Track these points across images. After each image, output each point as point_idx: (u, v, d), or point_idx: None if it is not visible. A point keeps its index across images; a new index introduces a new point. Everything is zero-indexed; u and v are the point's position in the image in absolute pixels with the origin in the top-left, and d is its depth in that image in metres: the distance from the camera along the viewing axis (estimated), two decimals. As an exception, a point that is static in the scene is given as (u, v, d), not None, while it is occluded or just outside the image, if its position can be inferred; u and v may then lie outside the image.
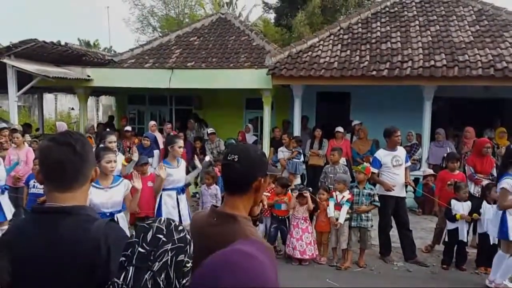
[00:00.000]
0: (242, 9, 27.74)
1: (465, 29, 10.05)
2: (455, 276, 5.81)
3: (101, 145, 5.78)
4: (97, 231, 1.48)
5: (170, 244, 1.28)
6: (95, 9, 66.61)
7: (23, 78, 9.22)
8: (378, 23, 10.89)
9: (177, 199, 5.56)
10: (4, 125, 8.46)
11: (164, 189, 5.48)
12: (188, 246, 1.30)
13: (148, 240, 1.29)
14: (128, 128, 10.51)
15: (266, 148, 10.00)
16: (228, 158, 1.80)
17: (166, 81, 10.17)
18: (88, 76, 10.62)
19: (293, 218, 6.22)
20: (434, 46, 9.48)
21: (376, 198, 6.11)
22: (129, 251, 1.28)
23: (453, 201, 6.02)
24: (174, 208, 5.50)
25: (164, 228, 1.31)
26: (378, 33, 10.40)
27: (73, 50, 10.89)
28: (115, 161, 4.40)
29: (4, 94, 9.89)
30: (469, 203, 6.04)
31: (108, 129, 10.44)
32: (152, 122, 10.38)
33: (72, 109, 22.87)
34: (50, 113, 21.85)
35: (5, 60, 8.95)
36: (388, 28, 10.61)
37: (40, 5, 68.44)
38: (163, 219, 1.35)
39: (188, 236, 1.33)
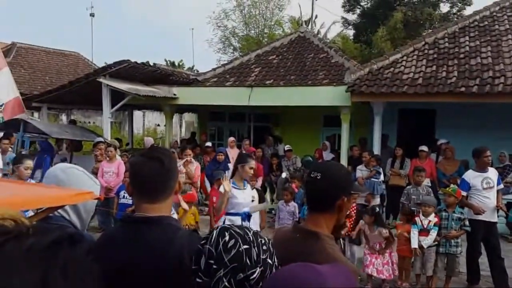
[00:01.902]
0: (321, 26, 27.70)
1: None
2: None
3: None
4: (182, 242, 1.56)
5: (222, 270, 1.22)
6: (180, 31, 70.68)
7: (115, 96, 10.00)
8: (467, 38, 10.33)
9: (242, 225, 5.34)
10: (100, 139, 9.22)
11: (226, 214, 5.02)
12: (246, 258, 1.25)
13: (203, 268, 1.25)
14: (209, 144, 10.92)
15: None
16: (312, 175, 1.81)
17: (245, 98, 10.46)
18: (174, 94, 11.24)
19: (369, 241, 5.98)
20: (529, 61, 8.78)
21: (467, 222, 5.71)
22: (192, 278, 1.28)
23: None
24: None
25: (213, 250, 1.25)
26: (467, 48, 9.86)
27: (161, 70, 11.63)
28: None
29: (97, 110, 10.77)
30: None
31: (186, 144, 11.00)
32: (231, 138, 10.69)
33: (158, 125, 24.29)
34: (138, 128, 23.38)
35: (100, 80, 9.79)
36: (477, 42, 10.02)
37: (129, 27, 74.02)
38: (214, 236, 1.29)
39: (242, 248, 1.26)
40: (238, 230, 1.31)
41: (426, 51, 10.18)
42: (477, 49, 9.76)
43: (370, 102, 9.58)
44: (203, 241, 1.30)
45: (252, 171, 5.08)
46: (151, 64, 12.09)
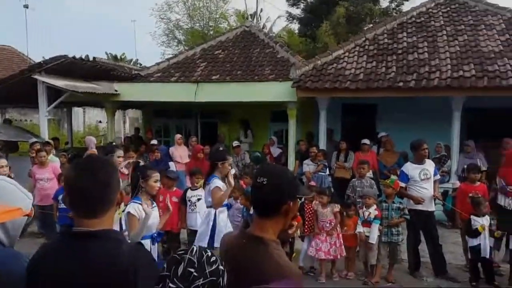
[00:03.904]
0: (267, 20, 27.85)
1: (494, 38, 9.83)
2: (488, 294, 5.61)
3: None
4: (125, 255, 1.50)
5: (201, 279, 1.26)
6: (122, 23, 68.38)
7: (53, 92, 9.50)
8: (405, 34, 10.78)
9: (228, 215, 5.48)
10: (36, 139, 8.72)
11: (209, 206, 5.27)
12: (220, 278, 1.30)
13: (179, 274, 1.27)
14: (154, 141, 10.67)
15: (291, 161, 9.97)
16: (258, 181, 1.80)
17: (191, 94, 10.30)
18: (116, 90, 10.86)
19: (319, 222, 6.14)
20: (462, 56, 9.31)
21: (406, 211, 5.99)
22: (160, 285, 1.28)
23: (472, 217, 5.82)
24: (225, 225, 5.24)
25: (195, 260, 1.29)
26: (405, 44, 10.29)
27: (101, 65, 11.17)
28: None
29: (35, 108, 10.21)
30: (487, 217, 5.83)
31: (129, 142, 10.62)
32: (178, 136, 10.51)
33: (100, 122, 23.40)
34: (78, 126, 22.40)
35: (36, 76, 9.26)
36: (414, 38, 10.48)
37: (69, 20, 70.66)
38: (195, 249, 1.34)
39: (221, 267, 1.32)
40: (215, 254, 1.39)
41: (366, 47, 10.51)
42: (414, 44, 10.21)
43: (315, 98, 9.76)
44: (180, 252, 1.34)
45: (230, 167, 5.17)
46: (91, 58, 11.60)
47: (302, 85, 9.37)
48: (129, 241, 1.68)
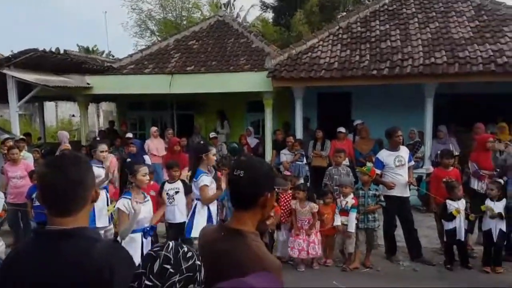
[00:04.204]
0: (240, 9, 27.70)
1: (465, 25, 10.02)
2: (463, 275, 5.78)
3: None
4: (99, 253, 1.48)
5: (178, 275, 1.25)
6: (94, 14, 66.70)
7: (23, 87, 9.22)
8: (377, 22, 10.87)
9: (217, 206, 5.51)
10: (8, 135, 8.47)
11: (198, 198, 5.39)
12: (197, 274, 1.29)
13: (155, 271, 1.25)
14: (130, 135, 10.51)
15: (268, 150, 9.99)
16: (234, 173, 1.80)
17: (166, 86, 10.17)
18: (88, 84, 10.62)
19: (298, 220, 6.20)
20: (434, 43, 9.47)
21: (382, 198, 6.11)
22: (136, 283, 1.26)
23: (447, 201, 5.99)
24: (203, 217, 5.33)
25: (171, 257, 1.28)
26: (378, 32, 10.39)
27: (72, 58, 10.90)
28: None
29: (5, 103, 9.90)
30: (463, 201, 6.01)
31: (104, 135, 10.46)
32: (154, 128, 10.38)
33: (73, 116, 22.91)
34: (51, 120, 21.88)
35: (5, 71, 8.96)
36: (387, 26, 10.59)
37: (38, 13, 68.54)
38: (171, 245, 1.32)
39: (197, 262, 1.31)
40: (192, 249, 1.36)
41: (340, 36, 10.56)
42: (386, 32, 10.31)
43: (291, 87, 9.78)
44: (156, 248, 1.32)
45: (214, 157, 5.43)
46: (62, 51, 11.30)
47: (277, 74, 9.36)
48: (113, 238, 1.65)
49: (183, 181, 6.39)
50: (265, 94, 9.96)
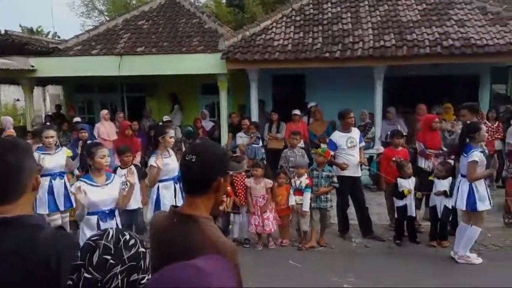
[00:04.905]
0: (192, -11, 26.91)
1: (412, 8, 10.30)
2: (411, 250, 6.07)
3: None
4: (44, 242, 1.41)
5: (119, 266, 1.19)
6: (35, -8, 62.79)
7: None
8: (329, 4, 10.95)
9: (175, 189, 5.43)
10: None
11: (160, 181, 5.36)
12: (142, 261, 1.24)
13: (95, 262, 1.18)
14: (78, 119, 10.11)
15: (224, 133, 9.93)
16: (186, 158, 1.76)
17: (115, 68, 9.81)
18: (32, 66, 10.05)
19: (252, 197, 6.24)
20: (383, 26, 9.68)
21: (335, 179, 6.24)
22: (75, 275, 1.19)
23: (399, 180, 6.23)
24: (171, 198, 5.35)
25: (112, 246, 1.21)
26: (330, 14, 10.47)
27: (14, 38, 10.26)
28: (108, 156, 4.41)
29: None
30: (413, 179, 6.27)
31: (48, 123, 9.99)
32: (105, 111, 10.00)
33: (18, 100, 21.68)
34: (-7, 105, 20.65)
35: None
36: (338, 9, 10.69)
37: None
38: (111, 233, 1.25)
39: (141, 250, 1.26)
40: (135, 234, 1.29)
41: (293, 18, 10.57)
42: (338, 15, 10.42)
43: (245, 69, 9.72)
44: (95, 237, 1.23)
45: (173, 140, 5.50)
46: (3, 31, 10.59)
47: (231, 56, 9.27)
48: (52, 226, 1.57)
49: (136, 166, 6.25)
50: (220, 76, 9.84)
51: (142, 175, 6.05)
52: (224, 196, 5.40)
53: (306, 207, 6.05)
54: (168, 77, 10.62)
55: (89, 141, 7.58)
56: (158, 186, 5.40)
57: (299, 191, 6.13)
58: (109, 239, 1.21)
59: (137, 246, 1.24)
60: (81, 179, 4.33)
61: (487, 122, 8.52)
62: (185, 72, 9.91)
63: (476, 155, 5.23)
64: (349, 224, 6.66)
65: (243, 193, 6.31)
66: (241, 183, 6.33)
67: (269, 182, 6.19)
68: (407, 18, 9.87)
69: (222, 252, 1.61)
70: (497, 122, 8.78)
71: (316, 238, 6.26)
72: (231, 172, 5.03)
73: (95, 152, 4.27)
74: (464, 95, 9.49)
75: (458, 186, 5.51)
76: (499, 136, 8.43)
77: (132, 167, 5.43)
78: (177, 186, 5.50)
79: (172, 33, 11.86)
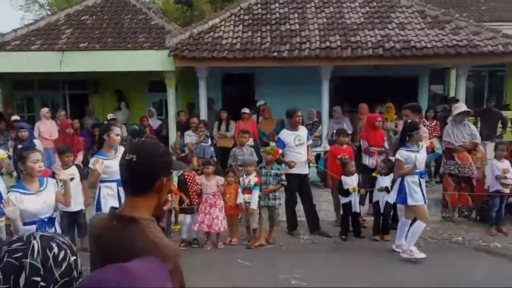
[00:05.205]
0: (139, -15, 26.21)
1: (356, 10, 10.61)
2: (356, 244, 6.28)
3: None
4: None
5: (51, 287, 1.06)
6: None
7: None
8: (277, 4, 11.04)
9: (118, 190, 5.11)
10: None
11: (102, 181, 5.10)
12: (74, 271, 1.14)
13: (22, 286, 1.03)
14: (16, 117, 9.56)
15: (172, 132, 9.77)
16: (126, 157, 1.69)
17: (56, 64, 9.38)
18: (-36, 61, 9.38)
19: (202, 194, 6.18)
20: (329, 28, 9.90)
21: (283, 177, 6.32)
22: None
23: (343, 177, 6.42)
24: (114, 200, 5.09)
25: (40, 266, 1.06)
26: (277, 14, 10.57)
27: None
28: (42, 160, 4.05)
29: None
30: (356, 175, 6.49)
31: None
32: (46, 109, 9.52)
33: None
34: None
35: None
36: (286, 9, 10.81)
37: None
38: (36, 248, 1.09)
39: (72, 259, 1.15)
40: (62, 239, 1.16)
41: (242, 17, 10.57)
42: (286, 15, 10.54)
43: (193, 67, 9.61)
44: (18, 253, 1.07)
45: (119, 138, 5.14)
46: None
47: (179, 54, 9.12)
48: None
49: (77, 166, 6.03)
50: (167, 74, 9.67)
51: (84, 176, 5.83)
52: (169, 195, 5.35)
53: (254, 205, 6.08)
54: (113, 74, 10.28)
55: (22, 144, 7.20)
56: (100, 187, 5.17)
57: (247, 190, 6.14)
58: (35, 255, 1.06)
59: (67, 257, 1.13)
60: (13, 189, 4.02)
61: (425, 121, 8.95)
62: (130, 69, 9.65)
63: (400, 153, 5.52)
64: (297, 221, 6.77)
65: (196, 192, 6.24)
66: (194, 182, 6.25)
67: (220, 179, 6.19)
68: (351, 20, 10.15)
69: (163, 254, 1.57)
70: (435, 121, 9.24)
71: (265, 236, 6.30)
72: (175, 172, 4.93)
73: (27, 157, 3.93)
74: (405, 95, 9.93)
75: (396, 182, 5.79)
76: (436, 135, 8.88)
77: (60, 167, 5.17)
78: (121, 189, 5.31)
79: (117, 29, 11.47)
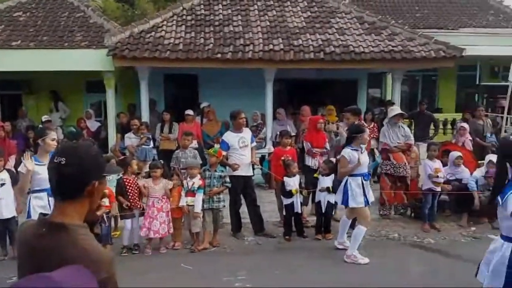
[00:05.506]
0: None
1: (298, 15, 10.82)
2: (299, 244, 6.36)
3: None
4: None
5: None
6: None
7: None
8: (220, 6, 11.02)
9: (49, 201, 4.64)
10: None
11: (33, 191, 4.77)
12: None
13: None
14: None
15: (112, 134, 9.44)
16: (55, 160, 1.60)
17: (-15, 63, 8.77)
18: None
19: (148, 198, 6.02)
20: (272, 31, 10.03)
21: (227, 179, 6.29)
22: None
23: (285, 178, 6.50)
24: (45, 210, 4.61)
25: None
26: (221, 16, 10.55)
27: None
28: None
29: None
30: (298, 177, 6.60)
31: None
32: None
33: None
34: None
35: None
36: (229, 11, 10.82)
37: None
38: None
39: None
40: None
41: (184, 17, 10.45)
42: (229, 17, 10.55)
43: (134, 67, 9.36)
44: None
45: (55, 143, 4.81)
46: None
47: (118, 53, 8.86)
48: None
49: (8, 171, 5.68)
50: (106, 74, 9.36)
51: (16, 181, 5.49)
52: (106, 200, 5.16)
53: (198, 209, 6.00)
54: (48, 73, 9.81)
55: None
56: (30, 198, 4.83)
57: (191, 193, 6.05)
58: None
59: None
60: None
61: (364, 123, 9.29)
62: (67, 68, 9.28)
63: (346, 152, 5.65)
64: (242, 223, 6.77)
65: (136, 196, 6.06)
66: (134, 186, 6.06)
67: (168, 183, 6.07)
68: (293, 24, 10.35)
69: (96, 262, 1.50)
70: (373, 123, 9.61)
71: (209, 239, 6.24)
72: (109, 175, 4.72)
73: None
74: (345, 98, 10.28)
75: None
76: (374, 136, 9.25)
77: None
78: (52, 199, 4.94)
79: (53, 27, 10.94)
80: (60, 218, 1.59)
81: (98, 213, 5.32)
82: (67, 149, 1.67)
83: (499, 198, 3.06)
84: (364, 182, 5.68)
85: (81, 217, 1.66)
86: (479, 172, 7.21)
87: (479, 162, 7.83)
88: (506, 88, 8.09)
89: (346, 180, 5.65)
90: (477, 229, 6.90)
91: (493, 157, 7.33)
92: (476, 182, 7.03)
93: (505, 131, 9.02)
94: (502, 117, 9.28)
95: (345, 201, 5.70)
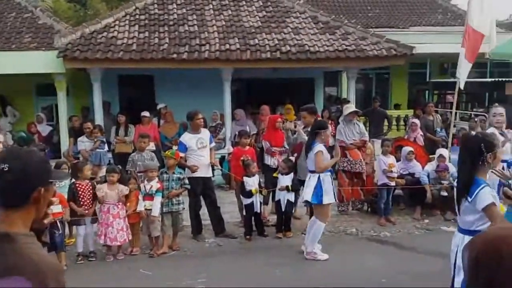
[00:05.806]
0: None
1: (254, 14, 10.85)
2: (260, 243, 6.38)
3: None
4: None
5: None
6: None
7: None
8: (174, 5, 10.88)
9: None
10: None
11: None
12: None
13: None
14: None
15: (64, 138, 9.11)
16: (-4, 168, 1.51)
17: None
18: None
19: (103, 205, 5.84)
20: (228, 30, 10.01)
21: (186, 181, 6.21)
22: None
23: (245, 178, 6.51)
24: None
25: None
26: (175, 15, 10.42)
27: None
28: None
29: None
30: (257, 176, 6.62)
31: None
32: None
33: None
34: None
35: None
36: (184, 10, 10.69)
37: None
38: None
39: None
40: None
41: (137, 16, 10.23)
42: (184, 17, 10.43)
43: (86, 69, 9.08)
44: None
45: (1, 146, 4.64)
46: None
47: (69, 54, 8.56)
48: None
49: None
50: (57, 76, 9.04)
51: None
52: (54, 207, 4.93)
53: (155, 212, 5.87)
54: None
55: None
56: None
57: (149, 196, 5.92)
58: None
59: None
60: None
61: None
62: (15, 71, 8.88)
63: (318, 147, 5.60)
64: (202, 225, 6.70)
65: (89, 202, 5.86)
66: (87, 192, 5.86)
67: (125, 189, 5.88)
68: (249, 24, 10.37)
69: (43, 272, 1.43)
70: (330, 121, 9.77)
71: (168, 243, 6.13)
72: (57, 182, 4.53)
73: None
74: (303, 97, 10.41)
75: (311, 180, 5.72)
76: (332, 133, 9.41)
77: None
78: None
79: (0, 28, 10.46)
80: (4, 227, 1.51)
81: (45, 221, 5.11)
82: (10, 155, 1.59)
83: (467, 196, 3.01)
84: (331, 178, 5.74)
85: (27, 225, 1.58)
86: (430, 166, 7.51)
87: (430, 156, 8.15)
88: (455, 84, 8.42)
89: (319, 177, 5.57)
90: (430, 222, 7.17)
91: (444, 151, 7.73)
92: (428, 176, 7.31)
93: (454, 126, 9.41)
94: (451, 112, 9.70)
95: (319, 198, 5.56)
